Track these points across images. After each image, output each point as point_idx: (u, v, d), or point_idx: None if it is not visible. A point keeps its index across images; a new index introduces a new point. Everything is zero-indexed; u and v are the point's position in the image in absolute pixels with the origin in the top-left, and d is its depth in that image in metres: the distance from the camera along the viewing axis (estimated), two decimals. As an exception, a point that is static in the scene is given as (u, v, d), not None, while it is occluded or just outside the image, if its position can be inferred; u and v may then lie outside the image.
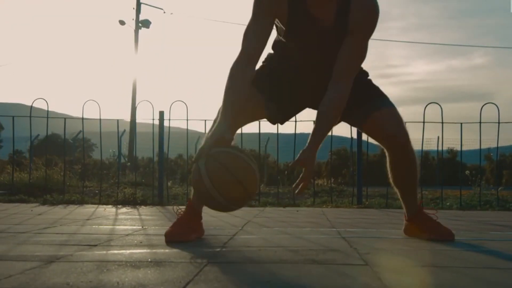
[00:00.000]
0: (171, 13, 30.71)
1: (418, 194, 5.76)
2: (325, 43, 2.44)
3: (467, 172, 8.81)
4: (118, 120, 6.55)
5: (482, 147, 6.58)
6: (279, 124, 2.83)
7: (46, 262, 1.89)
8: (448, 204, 6.23)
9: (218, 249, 2.29)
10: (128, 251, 2.20)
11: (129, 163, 12.45)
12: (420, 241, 2.65)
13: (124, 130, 17.17)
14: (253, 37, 2.40)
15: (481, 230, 3.47)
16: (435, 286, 1.57)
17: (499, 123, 6.04)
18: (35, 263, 1.87)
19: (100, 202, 6.02)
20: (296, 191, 2.35)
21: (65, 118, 6.70)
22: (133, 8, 27.99)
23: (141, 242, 2.52)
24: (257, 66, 2.52)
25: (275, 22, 2.45)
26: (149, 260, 1.96)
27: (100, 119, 6.37)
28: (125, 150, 21.49)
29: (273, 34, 2.57)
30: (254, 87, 2.49)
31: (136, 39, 27.82)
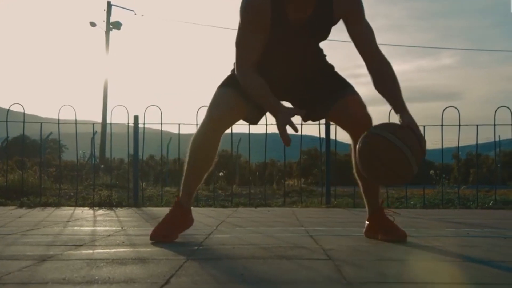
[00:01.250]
0: (142, 15, 30.78)
1: (384, 194, 6.01)
2: (301, 42, 2.65)
3: (431, 172, 9.14)
4: (93, 124, 6.69)
5: (451, 146, 6.88)
6: (251, 125, 3.03)
7: (39, 261, 2.08)
8: (412, 203, 6.52)
9: (196, 248, 2.50)
10: (113, 250, 2.40)
11: (102, 165, 12.56)
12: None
13: (96, 132, 17.26)
14: (249, 46, 2.62)
15: (438, 227, 3.73)
16: (388, 277, 1.80)
17: (459, 125, 6.35)
18: (29, 262, 2.05)
19: (77, 204, 6.16)
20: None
21: (41, 122, 6.83)
22: (104, 10, 27.97)
23: (123, 242, 2.71)
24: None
25: None
26: (134, 258, 2.15)
27: (76, 123, 6.51)
28: (96, 151, 21.52)
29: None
30: (236, 89, 2.68)
31: (107, 41, 27.80)
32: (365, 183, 2.87)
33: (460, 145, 6.50)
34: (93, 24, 27.36)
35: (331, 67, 2.89)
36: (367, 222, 2.93)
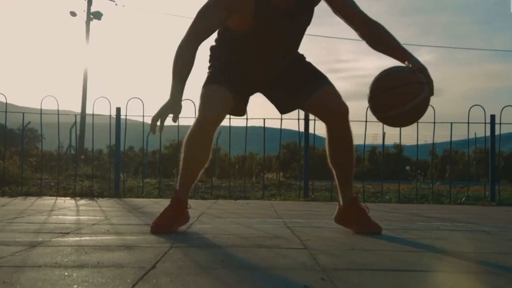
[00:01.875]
0: (123, 6, 30.65)
1: (360, 189, 6.19)
2: (285, 28, 2.75)
3: (407, 167, 9.35)
4: (75, 115, 6.75)
5: (429, 142, 7.07)
6: (231, 117, 3.14)
7: (29, 247, 2.18)
8: (387, 197, 6.70)
9: (179, 236, 2.62)
10: (99, 238, 2.51)
11: (83, 156, 12.58)
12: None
13: (75, 122, 17.21)
14: (208, 22, 2.68)
15: (411, 221, 3.88)
16: (358, 264, 1.94)
17: (434, 123, 6.53)
18: (19, 247, 2.15)
19: (58, 194, 6.24)
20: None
21: (24, 112, 6.88)
22: (85, 0, 27.81)
23: (108, 230, 2.82)
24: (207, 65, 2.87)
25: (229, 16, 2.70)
26: (120, 245, 2.27)
27: (58, 114, 6.58)
28: (74, 141, 21.44)
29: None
30: (222, 85, 2.77)
31: (88, 31, 27.67)
32: (339, 172, 2.97)
33: (437, 141, 6.67)
34: (73, 14, 27.19)
35: (302, 57, 2.99)
36: (338, 209, 3.04)
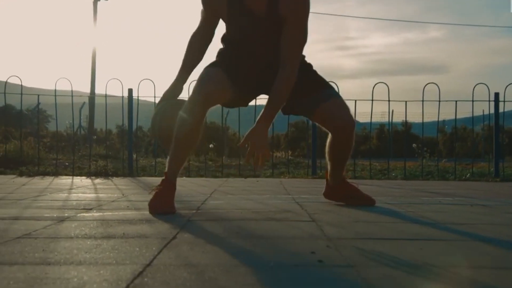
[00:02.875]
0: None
1: (367, 166, 6.32)
2: (261, 33, 2.76)
3: (414, 145, 9.49)
4: (88, 96, 6.90)
5: (436, 120, 7.20)
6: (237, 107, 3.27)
7: (58, 221, 2.37)
8: (393, 174, 6.86)
9: (194, 211, 2.80)
10: (120, 213, 2.69)
11: (95, 137, 12.80)
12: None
13: (84, 103, 17.43)
14: (201, 20, 2.89)
15: (414, 196, 4.05)
16: (362, 234, 2.11)
17: (439, 101, 6.66)
18: (49, 222, 2.34)
19: (74, 174, 6.44)
20: (256, 169, 2.78)
21: (38, 94, 7.06)
22: (92, -21, 27.83)
23: (127, 207, 3.01)
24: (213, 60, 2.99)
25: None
26: (141, 219, 2.45)
27: (72, 95, 6.76)
28: (83, 122, 21.68)
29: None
30: (223, 70, 2.82)
31: (95, 11, 27.74)
32: (333, 164, 3.12)
33: (446, 118, 6.78)
34: (81, -6, 27.23)
35: (309, 65, 3.02)
36: (327, 187, 3.27)
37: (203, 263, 1.51)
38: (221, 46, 2.97)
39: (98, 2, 27.85)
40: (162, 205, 2.68)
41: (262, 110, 2.74)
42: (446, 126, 35.32)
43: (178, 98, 2.95)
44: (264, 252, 1.73)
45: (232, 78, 2.83)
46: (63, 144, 15.13)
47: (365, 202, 3.12)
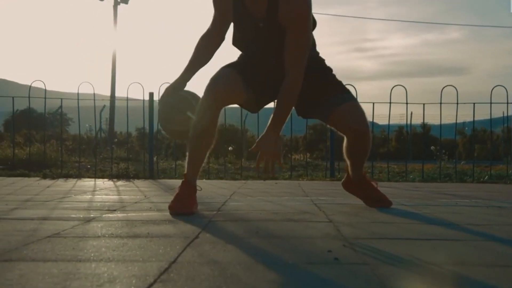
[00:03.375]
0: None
1: (385, 168, 6.35)
2: (263, 37, 2.79)
3: (432, 147, 9.50)
4: (109, 100, 7.03)
5: (458, 121, 7.22)
6: (251, 113, 3.36)
7: (85, 221, 2.47)
8: (411, 177, 6.89)
9: (215, 212, 2.88)
10: (144, 214, 2.79)
11: (116, 140, 12.96)
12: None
13: (104, 106, 17.63)
14: (212, 22, 2.95)
15: (431, 198, 4.09)
16: (377, 234, 2.18)
17: (457, 103, 6.69)
18: (76, 222, 2.44)
19: (96, 176, 6.57)
20: (267, 174, 2.80)
21: (62, 98, 7.22)
22: (112, -16, 28.15)
23: (150, 208, 3.10)
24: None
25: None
26: (164, 219, 2.54)
27: (94, 99, 6.89)
28: (103, 124, 21.92)
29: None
30: (238, 73, 2.88)
31: (115, 15, 28.04)
32: (352, 163, 3.16)
33: (466, 120, 6.77)
34: (101, -1, 27.56)
35: (328, 69, 3.05)
36: (346, 176, 3.32)
37: (225, 261, 1.59)
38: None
39: (118, 6, 28.16)
40: (182, 207, 2.75)
41: (271, 117, 2.79)
42: (466, 128, 35.08)
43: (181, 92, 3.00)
44: (282, 250, 1.80)
45: (247, 80, 2.88)
46: (83, 147, 15.33)
47: (382, 204, 3.16)
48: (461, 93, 6.53)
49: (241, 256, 1.68)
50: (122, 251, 1.73)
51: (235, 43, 2.97)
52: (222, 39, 3.00)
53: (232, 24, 2.92)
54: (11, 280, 1.34)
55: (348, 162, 3.21)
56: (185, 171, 2.92)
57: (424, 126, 7.86)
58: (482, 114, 7.81)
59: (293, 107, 2.95)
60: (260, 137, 2.77)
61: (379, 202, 3.18)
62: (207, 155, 2.97)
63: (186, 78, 2.99)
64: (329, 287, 1.32)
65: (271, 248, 1.85)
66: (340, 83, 3.04)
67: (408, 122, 11.60)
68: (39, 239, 1.97)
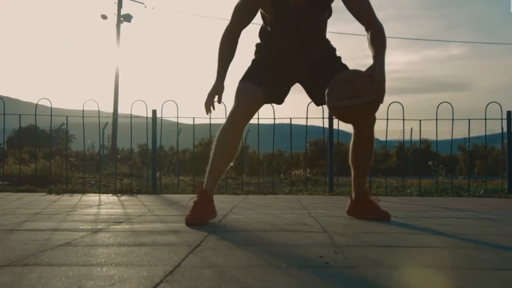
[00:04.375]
0: (152, 8, 31.34)
1: (383, 183, 6.50)
2: (303, 23, 3.12)
3: (430, 162, 9.65)
4: (115, 118, 7.19)
5: (459, 137, 7.37)
6: (259, 115, 3.55)
7: (93, 232, 2.62)
8: (408, 191, 7.04)
9: (216, 224, 3.03)
10: (149, 225, 2.94)
11: (119, 156, 13.14)
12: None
13: (107, 123, 17.85)
14: (241, 17, 3.19)
15: (425, 211, 4.24)
16: (368, 243, 2.32)
17: (453, 119, 6.85)
18: (85, 233, 2.59)
19: (100, 191, 6.72)
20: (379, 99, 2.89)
21: (67, 116, 7.39)
22: (115, 3, 28.52)
23: (154, 220, 3.25)
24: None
25: (260, 11, 3.18)
26: (168, 230, 2.69)
27: (99, 116, 7.07)
28: (106, 141, 22.10)
29: (260, 22, 3.31)
30: (250, 83, 3.16)
31: (118, 33, 28.35)
32: (356, 169, 3.36)
33: (465, 136, 6.85)
34: (104, 17, 27.95)
35: (339, 58, 3.34)
36: (350, 203, 3.45)
37: (224, 265, 1.75)
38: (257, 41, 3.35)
39: (122, 24, 28.48)
40: (196, 217, 2.96)
41: (373, 55, 3.02)
42: (467, 144, 35.22)
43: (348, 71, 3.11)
44: (278, 256, 1.95)
45: (262, 85, 3.16)
46: (86, 163, 15.51)
47: (380, 216, 3.27)
48: (462, 109, 6.69)
49: (240, 261, 1.83)
50: (130, 257, 1.88)
51: (264, 33, 3.28)
52: (240, 33, 3.27)
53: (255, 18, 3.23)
54: (32, 280, 1.49)
55: (352, 172, 3.37)
56: (205, 182, 3.16)
57: (420, 142, 8.04)
58: (482, 130, 7.95)
59: (311, 98, 3.38)
60: (370, 66, 2.97)
61: (377, 215, 3.28)
62: (227, 169, 3.25)
63: (223, 78, 3.19)
64: (318, 286, 1.47)
65: (268, 254, 2.00)
66: (346, 66, 3.30)
67: (408, 138, 11.74)
68: (52, 247, 2.12)
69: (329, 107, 2.99)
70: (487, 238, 2.53)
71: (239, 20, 3.21)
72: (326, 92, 2.96)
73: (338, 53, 3.35)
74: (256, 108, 3.22)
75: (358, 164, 3.36)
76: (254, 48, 3.37)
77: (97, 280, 1.50)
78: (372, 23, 3.12)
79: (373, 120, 3.19)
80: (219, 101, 3.16)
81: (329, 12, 3.24)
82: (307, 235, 2.57)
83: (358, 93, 2.84)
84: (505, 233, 2.80)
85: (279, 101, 3.38)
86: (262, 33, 3.33)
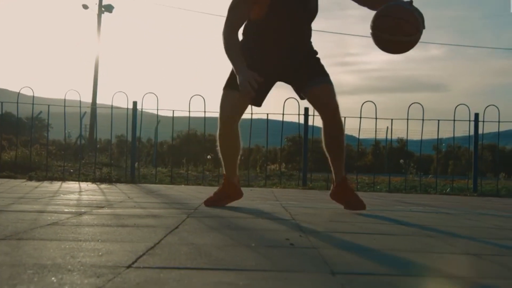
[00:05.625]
0: (134, -2, 31.28)
1: (355, 180, 6.76)
2: (298, 12, 3.32)
3: (401, 161, 9.94)
4: (96, 107, 7.34)
5: (433, 138, 7.66)
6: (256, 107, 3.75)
7: (78, 214, 2.81)
8: (378, 187, 7.31)
9: (193, 210, 3.24)
10: (130, 210, 3.14)
11: (98, 145, 13.24)
12: (336, 207, 3.63)
13: (85, 112, 17.89)
14: (239, 15, 3.35)
15: (391, 205, 4.48)
16: (331, 229, 2.55)
17: (423, 120, 7.13)
18: (70, 215, 2.78)
19: (80, 180, 6.88)
20: None
21: (49, 105, 7.52)
22: (97, -8, 28.44)
23: (134, 206, 3.45)
24: None
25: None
26: (148, 215, 2.89)
27: (80, 106, 7.21)
28: (82, 130, 22.09)
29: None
30: (235, 90, 3.27)
31: (99, 23, 28.29)
32: (332, 155, 3.57)
33: (443, 137, 7.09)
34: (85, 7, 27.86)
35: (316, 52, 3.56)
36: (333, 187, 3.65)
37: (200, 243, 1.95)
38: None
39: (103, 15, 28.42)
40: (215, 200, 3.59)
41: None
42: (443, 144, 35.77)
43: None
44: (248, 238, 2.17)
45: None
46: (63, 152, 15.54)
47: (357, 207, 3.49)
48: (439, 109, 6.96)
49: (214, 241, 2.04)
50: (114, 235, 2.08)
51: (250, 32, 3.45)
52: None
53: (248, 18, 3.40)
54: (28, 251, 1.69)
55: (329, 159, 3.59)
56: (224, 172, 3.68)
57: (391, 140, 8.28)
58: (460, 131, 8.24)
59: (296, 92, 3.58)
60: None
61: (354, 206, 3.50)
62: (239, 154, 3.64)
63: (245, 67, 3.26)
64: (281, 262, 1.69)
65: (239, 236, 2.22)
66: (322, 67, 3.51)
67: (383, 136, 12.04)
68: (41, 226, 2.31)
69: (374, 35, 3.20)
70: (441, 228, 2.77)
71: (239, 17, 3.37)
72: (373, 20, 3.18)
73: (318, 51, 3.57)
74: (241, 114, 3.50)
75: (332, 150, 3.57)
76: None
77: (87, 252, 1.70)
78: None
79: (336, 106, 3.46)
80: (259, 78, 3.15)
81: (316, 4, 3.45)
82: (277, 222, 2.79)
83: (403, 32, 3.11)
84: (458, 225, 3.05)
85: (259, 104, 3.58)
86: (246, 33, 3.48)
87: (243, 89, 3.12)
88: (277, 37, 3.39)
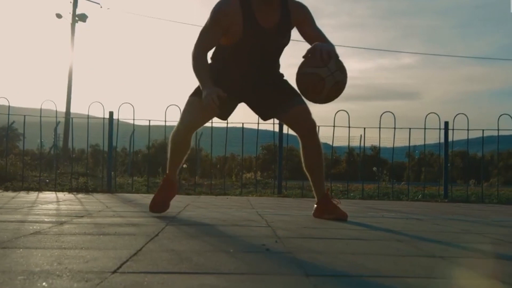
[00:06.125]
0: (108, 8, 31.26)
1: (328, 186, 6.90)
2: (268, 43, 3.39)
3: (374, 168, 10.12)
4: (71, 118, 7.38)
5: (405, 145, 7.84)
6: (213, 119, 3.85)
7: (58, 224, 2.87)
8: (352, 194, 7.45)
9: (172, 218, 3.33)
10: (109, 219, 3.21)
11: (74, 155, 13.21)
12: (311, 214, 3.73)
13: (59, 122, 17.82)
14: (210, 39, 3.40)
15: (364, 211, 4.61)
16: (305, 235, 2.66)
17: (395, 128, 7.31)
18: (51, 224, 2.84)
19: (56, 189, 6.90)
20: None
21: (25, 115, 7.53)
22: (70, 2, 28.34)
23: (114, 215, 3.51)
24: None
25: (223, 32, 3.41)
26: (127, 223, 2.97)
27: (56, 116, 7.23)
28: (57, 140, 21.96)
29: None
30: (200, 98, 3.33)
31: (73, 33, 28.17)
32: (312, 176, 3.67)
33: (416, 144, 7.23)
34: (59, 16, 27.75)
35: (282, 75, 3.65)
36: (315, 206, 3.74)
37: (180, 250, 2.04)
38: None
39: (76, 24, 28.31)
40: (158, 204, 3.60)
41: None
42: (416, 151, 36.20)
43: None
44: (226, 244, 2.27)
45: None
46: (36, 162, 15.48)
47: (339, 217, 3.55)
48: (412, 117, 7.14)
49: (193, 247, 2.14)
50: (97, 243, 2.16)
51: (218, 57, 3.52)
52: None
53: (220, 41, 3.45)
54: (16, 259, 1.76)
55: (310, 179, 3.69)
56: (167, 171, 3.72)
57: (364, 148, 8.42)
58: (432, 138, 8.41)
59: (257, 114, 3.73)
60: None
61: (336, 215, 3.57)
62: (184, 159, 3.71)
63: (211, 83, 3.32)
64: (258, 266, 1.79)
65: (218, 242, 2.31)
66: (293, 88, 3.51)
67: (356, 144, 12.23)
68: (25, 235, 2.37)
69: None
70: (409, 233, 2.90)
71: (209, 41, 3.41)
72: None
73: (292, 59, 3.69)
74: (201, 124, 3.57)
75: (312, 171, 3.66)
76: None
77: (72, 259, 1.78)
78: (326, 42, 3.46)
79: (314, 126, 3.56)
80: (222, 94, 3.21)
81: (288, 39, 3.51)
82: (253, 229, 2.89)
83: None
84: (427, 229, 3.18)
85: (224, 118, 3.70)
86: (216, 56, 3.55)
87: (206, 104, 3.18)
88: (245, 64, 3.47)
